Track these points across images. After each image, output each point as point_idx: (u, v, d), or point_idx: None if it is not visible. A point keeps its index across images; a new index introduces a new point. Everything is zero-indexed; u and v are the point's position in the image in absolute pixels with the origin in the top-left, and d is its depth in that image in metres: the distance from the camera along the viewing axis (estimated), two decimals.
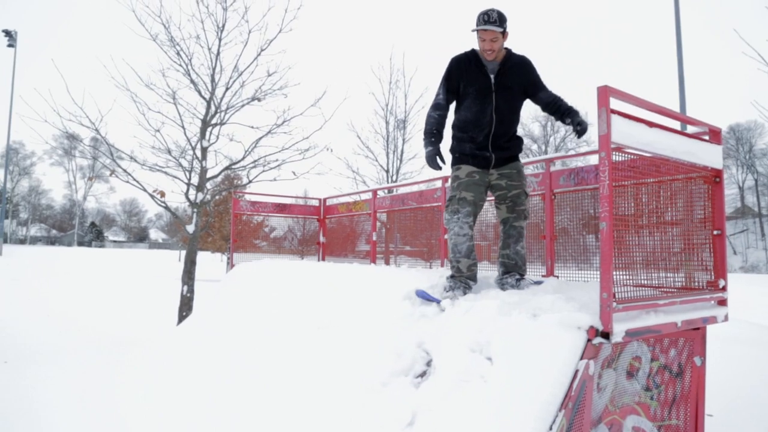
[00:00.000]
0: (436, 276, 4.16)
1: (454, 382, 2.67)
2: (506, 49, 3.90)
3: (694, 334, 3.49)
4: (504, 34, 3.76)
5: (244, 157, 9.68)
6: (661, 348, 3.31)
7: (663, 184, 3.50)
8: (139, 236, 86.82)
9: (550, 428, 2.38)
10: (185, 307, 8.49)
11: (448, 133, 4.05)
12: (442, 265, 5.95)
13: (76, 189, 77.31)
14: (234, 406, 3.79)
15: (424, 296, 3.69)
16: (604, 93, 2.68)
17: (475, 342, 2.81)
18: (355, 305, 3.92)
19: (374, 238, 7.23)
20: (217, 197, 13.46)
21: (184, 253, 43.47)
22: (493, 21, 3.69)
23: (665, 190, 3.52)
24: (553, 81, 4.31)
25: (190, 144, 9.42)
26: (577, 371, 2.52)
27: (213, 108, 9.51)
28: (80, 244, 73.58)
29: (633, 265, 3.17)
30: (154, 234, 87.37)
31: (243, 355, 4.55)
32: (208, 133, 9.44)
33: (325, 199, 8.52)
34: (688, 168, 3.38)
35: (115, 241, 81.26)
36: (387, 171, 15.99)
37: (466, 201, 3.82)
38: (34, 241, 74.08)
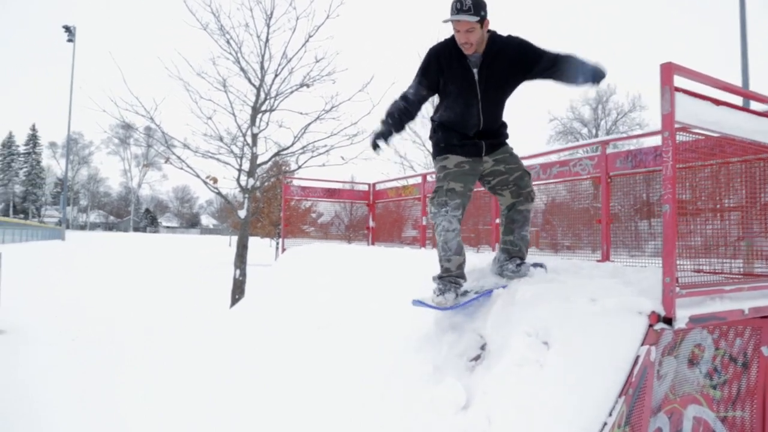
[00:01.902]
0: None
1: (509, 366, 2.64)
2: (489, 32, 3.35)
3: (762, 323, 3.34)
4: (483, 22, 3.21)
5: (293, 143, 9.82)
6: (726, 336, 3.19)
7: (729, 166, 3.35)
8: (191, 222, 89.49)
9: (610, 414, 2.33)
10: (238, 290, 8.71)
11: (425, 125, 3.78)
12: (493, 250, 5.89)
13: (131, 177, 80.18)
14: (285, 387, 3.86)
15: (422, 305, 3.43)
16: (668, 70, 2.57)
17: (531, 326, 2.77)
18: (406, 290, 3.93)
19: (424, 223, 7.22)
20: (266, 183, 13.71)
21: (234, 238, 44.57)
22: (466, 9, 3.14)
23: (732, 172, 3.37)
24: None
25: (241, 131, 9.61)
26: (638, 357, 2.45)
27: (262, 95, 9.66)
28: (136, 229, 76.34)
29: (697, 250, 3.06)
30: (205, 220, 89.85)
31: (297, 338, 4.64)
32: (258, 120, 9.60)
33: (374, 184, 8.55)
34: (756, 148, 3.22)
35: (168, 227, 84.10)
36: None
37: (454, 192, 3.40)
38: (94, 227, 77.32)
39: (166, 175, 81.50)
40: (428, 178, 7.38)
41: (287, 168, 13.27)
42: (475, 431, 2.51)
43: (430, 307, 3.34)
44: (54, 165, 77.55)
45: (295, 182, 8.45)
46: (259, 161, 9.88)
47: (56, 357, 5.87)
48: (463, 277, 3.48)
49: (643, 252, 4.92)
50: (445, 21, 3.22)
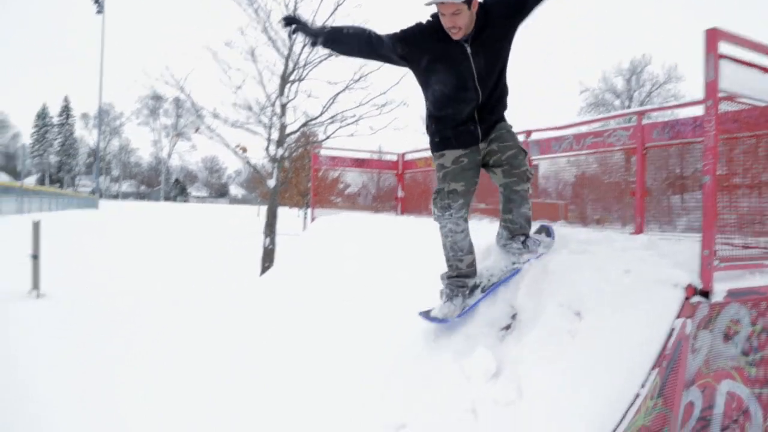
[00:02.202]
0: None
1: (541, 336, 2.65)
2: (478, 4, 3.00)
3: None
4: (470, 2, 2.88)
5: (321, 113, 9.81)
6: (765, 314, 3.12)
7: None
8: (219, 192, 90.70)
9: (642, 386, 2.32)
10: (267, 258, 8.85)
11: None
12: None
13: (161, 147, 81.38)
14: (312, 359, 3.91)
15: (428, 319, 3.32)
16: (713, 36, 2.49)
17: (563, 296, 2.76)
18: (436, 260, 3.93)
19: None
20: (294, 153, 13.79)
21: (262, 208, 45.00)
22: None
23: None
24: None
25: (270, 101, 9.62)
26: (672, 330, 2.43)
27: (291, 64, 9.63)
28: (166, 199, 77.73)
29: (736, 223, 2.99)
30: (234, 190, 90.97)
31: (324, 308, 4.69)
32: (286, 90, 9.60)
33: (403, 154, 8.52)
34: None
35: (197, 197, 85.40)
36: None
37: (456, 193, 3.21)
38: (125, 196, 78.95)
39: (195, 146, 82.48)
40: None
41: (315, 138, 13.33)
42: (505, 399, 2.53)
43: (436, 321, 3.24)
44: (86, 136, 79.12)
45: (324, 152, 8.48)
46: (287, 131, 9.91)
47: (91, 322, 6.05)
48: (474, 274, 3.37)
49: (675, 227, 4.82)
50: (428, 3, 2.89)
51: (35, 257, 7.47)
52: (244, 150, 9.39)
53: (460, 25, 2.91)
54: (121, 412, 3.66)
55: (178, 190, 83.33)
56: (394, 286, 4.21)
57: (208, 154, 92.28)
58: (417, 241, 4.75)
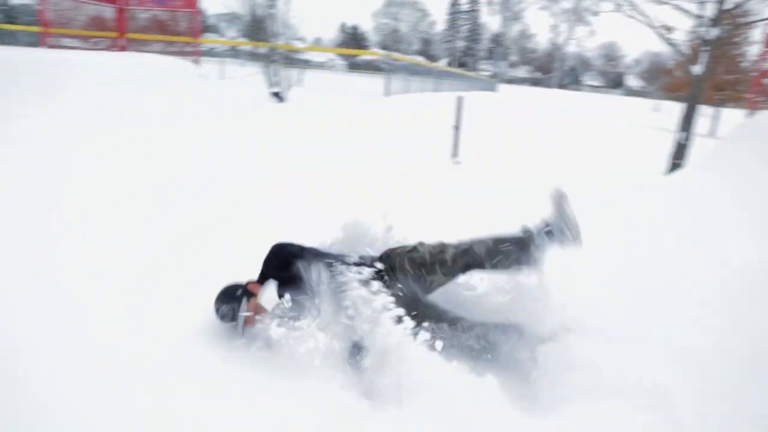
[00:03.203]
0: None
1: None
2: None
3: None
4: None
5: None
6: None
7: None
8: (614, 82, 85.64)
9: None
10: (678, 155, 7.92)
11: None
12: None
13: (558, 32, 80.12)
14: None
15: None
16: None
17: None
18: None
19: None
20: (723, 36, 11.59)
21: (660, 102, 40.88)
22: None
23: None
24: None
25: None
26: None
27: None
28: (559, 86, 77.59)
29: None
30: (631, 81, 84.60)
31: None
32: None
33: None
34: None
35: (590, 86, 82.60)
36: None
37: None
38: (520, 81, 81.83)
39: (594, 31, 78.59)
40: None
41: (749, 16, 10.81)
42: None
43: None
44: (490, 22, 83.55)
45: None
46: (724, 7, 8.26)
47: (504, 188, 6.43)
48: None
49: None
50: None
51: (456, 128, 8.36)
52: (669, 30, 8.28)
53: None
54: None
55: (572, 78, 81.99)
56: None
57: (606, 40, 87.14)
58: None
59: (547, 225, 2.90)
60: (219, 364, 2.08)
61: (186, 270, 3.04)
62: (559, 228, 2.86)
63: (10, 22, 29.57)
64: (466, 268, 2.80)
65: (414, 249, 2.82)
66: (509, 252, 2.80)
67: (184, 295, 2.58)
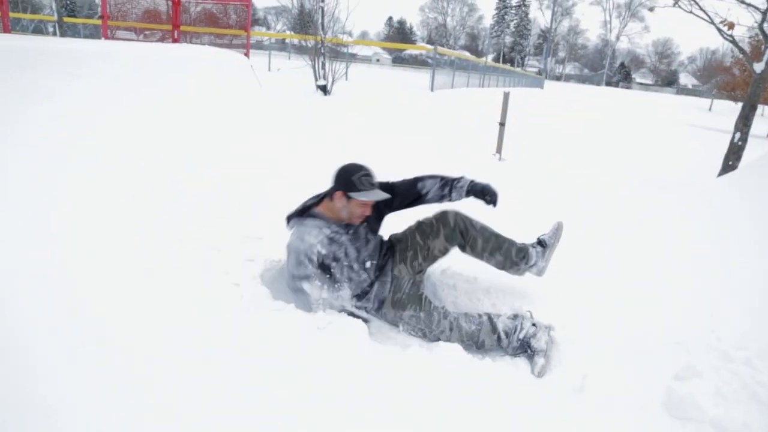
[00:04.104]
0: None
1: None
2: None
3: None
4: None
5: None
6: None
7: None
8: (667, 80, 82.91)
9: None
10: (733, 156, 7.61)
11: None
12: None
13: (610, 29, 78.25)
14: None
15: None
16: None
17: None
18: None
19: None
20: None
21: (716, 102, 39.48)
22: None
23: None
24: None
25: None
26: None
27: None
28: (608, 84, 75.70)
29: None
30: (684, 79, 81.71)
31: None
32: None
33: None
34: None
35: (641, 84, 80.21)
36: None
37: None
38: (568, 78, 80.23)
39: (648, 27, 76.27)
40: None
41: None
42: None
43: None
44: (539, 17, 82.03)
45: None
46: None
47: (548, 186, 6.36)
48: None
49: None
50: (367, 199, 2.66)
51: (502, 124, 8.27)
52: (731, 26, 7.93)
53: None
54: None
55: (622, 75, 79.77)
56: None
57: (660, 36, 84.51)
58: None
59: (542, 243, 3.03)
60: (221, 362, 2.12)
61: (198, 257, 2.99)
62: (549, 245, 3.01)
63: (71, 16, 30.80)
64: (462, 235, 2.88)
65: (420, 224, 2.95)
66: (508, 250, 2.92)
67: (186, 293, 2.60)
